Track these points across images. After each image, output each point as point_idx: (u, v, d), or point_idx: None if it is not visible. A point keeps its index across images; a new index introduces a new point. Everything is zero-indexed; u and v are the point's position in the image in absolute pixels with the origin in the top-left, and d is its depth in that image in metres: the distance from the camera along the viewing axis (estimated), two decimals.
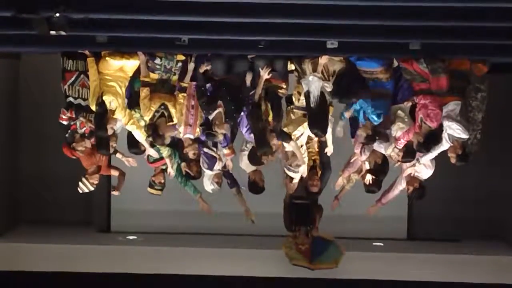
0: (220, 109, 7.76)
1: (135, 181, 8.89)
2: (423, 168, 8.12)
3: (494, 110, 8.36)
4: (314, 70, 7.78)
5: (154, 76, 7.89)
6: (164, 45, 7.53)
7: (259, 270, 10.37)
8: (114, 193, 8.81)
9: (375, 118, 7.81)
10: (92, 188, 8.48)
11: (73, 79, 7.91)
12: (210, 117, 7.77)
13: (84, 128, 8.00)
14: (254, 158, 7.98)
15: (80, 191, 8.49)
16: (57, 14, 6.62)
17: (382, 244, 10.93)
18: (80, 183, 8.40)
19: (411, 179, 8.15)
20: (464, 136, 7.60)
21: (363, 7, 6.88)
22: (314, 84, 7.70)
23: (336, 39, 7.35)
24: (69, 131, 8.02)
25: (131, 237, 11.00)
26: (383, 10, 6.89)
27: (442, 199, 10.76)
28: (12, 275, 10.31)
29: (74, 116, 7.92)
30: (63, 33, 6.73)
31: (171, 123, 7.92)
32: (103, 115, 7.81)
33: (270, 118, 7.79)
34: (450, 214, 10.93)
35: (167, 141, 7.94)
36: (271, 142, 7.72)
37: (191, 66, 7.87)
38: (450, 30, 7.16)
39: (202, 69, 7.81)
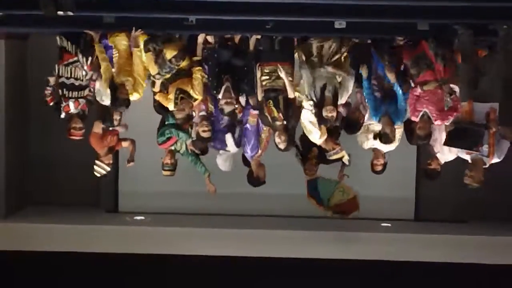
0: (227, 83, 7.76)
1: (143, 161, 8.90)
2: (444, 154, 8.05)
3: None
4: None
5: (167, 76, 7.85)
6: (172, 26, 7.50)
7: (267, 251, 10.39)
8: (130, 165, 8.70)
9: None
10: (108, 169, 8.44)
11: (71, 60, 7.91)
12: (219, 95, 7.77)
13: (80, 106, 7.98)
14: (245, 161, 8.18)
15: (98, 175, 8.47)
16: None
17: (389, 225, 10.95)
18: (95, 167, 8.36)
19: (434, 158, 8.09)
20: None
21: None
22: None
23: (344, 19, 7.34)
24: (64, 114, 7.99)
25: (138, 218, 11.02)
26: None
27: (449, 181, 10.71)
28: (21, 255, 10.37)
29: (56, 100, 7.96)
30: (70, 13, 6.73)
31: (196, 101, 7.87)
32: (115, 92, 7.75)
33: (275, 114, 7.69)
34: (457, 196, 10.86)
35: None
36: (279, 139, 7.69)
37: (200, 38, 7.74)
38: (458, 10, 7.14)
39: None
